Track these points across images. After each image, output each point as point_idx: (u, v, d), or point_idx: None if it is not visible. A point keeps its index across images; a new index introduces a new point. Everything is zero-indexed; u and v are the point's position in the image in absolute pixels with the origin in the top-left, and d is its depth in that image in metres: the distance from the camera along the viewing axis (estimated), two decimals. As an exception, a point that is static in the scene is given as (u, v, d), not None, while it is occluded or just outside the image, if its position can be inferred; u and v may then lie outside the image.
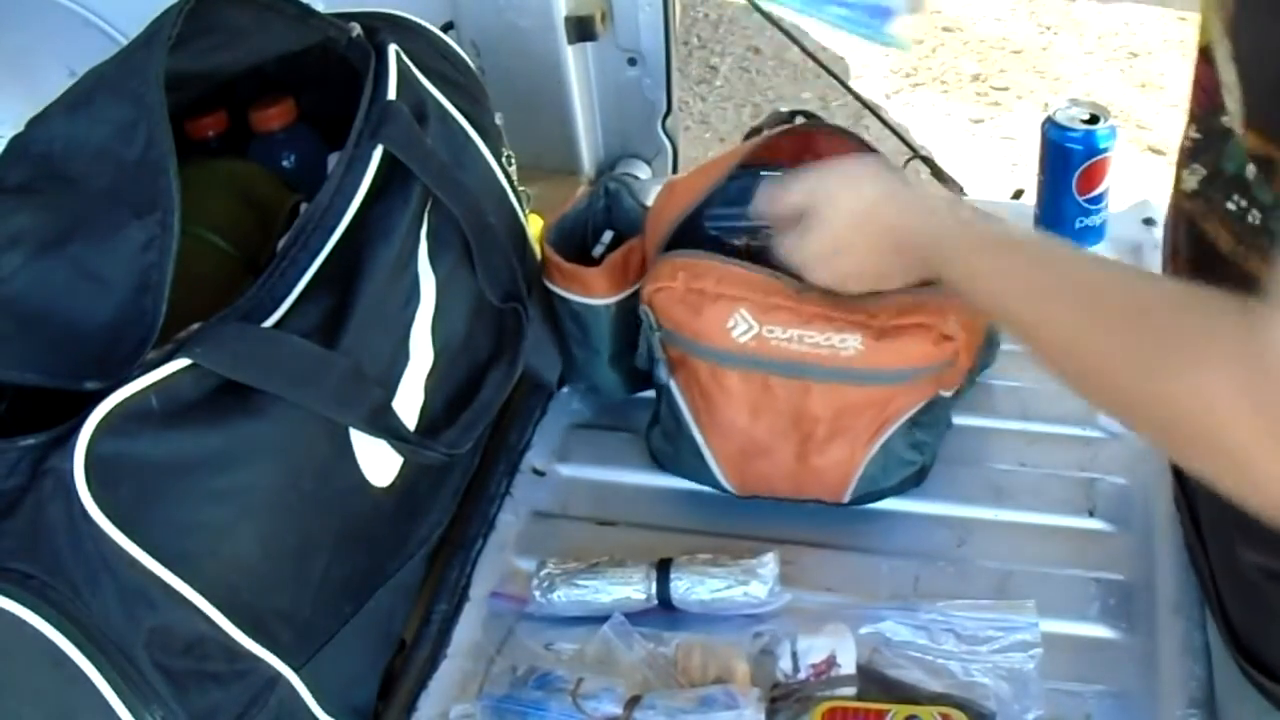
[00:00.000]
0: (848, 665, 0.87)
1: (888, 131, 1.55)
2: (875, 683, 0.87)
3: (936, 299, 0.92)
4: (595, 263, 1.05)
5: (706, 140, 2.87)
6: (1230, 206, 0.73)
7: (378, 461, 0.86)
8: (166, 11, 0.81)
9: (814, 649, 0.88)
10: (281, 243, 0.83)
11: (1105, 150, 1.22)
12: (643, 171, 1.45)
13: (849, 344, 0.93)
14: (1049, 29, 3.23)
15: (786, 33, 1.42)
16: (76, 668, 0.69)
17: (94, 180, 0.78)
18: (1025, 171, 1.32)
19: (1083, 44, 3.17)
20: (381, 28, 0.95)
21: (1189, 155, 0.79)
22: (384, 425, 0.83)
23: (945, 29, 3.24)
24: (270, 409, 0.76)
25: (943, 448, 1.05)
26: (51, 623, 0.68)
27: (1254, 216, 0.71)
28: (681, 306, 0.96)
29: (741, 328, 0.95)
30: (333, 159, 0.88)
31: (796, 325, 0.94)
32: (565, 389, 1.16)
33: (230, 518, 0.75)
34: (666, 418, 1.04)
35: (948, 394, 1.01)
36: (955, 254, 0.80)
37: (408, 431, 0.87)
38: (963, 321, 0.93)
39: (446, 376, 0.93)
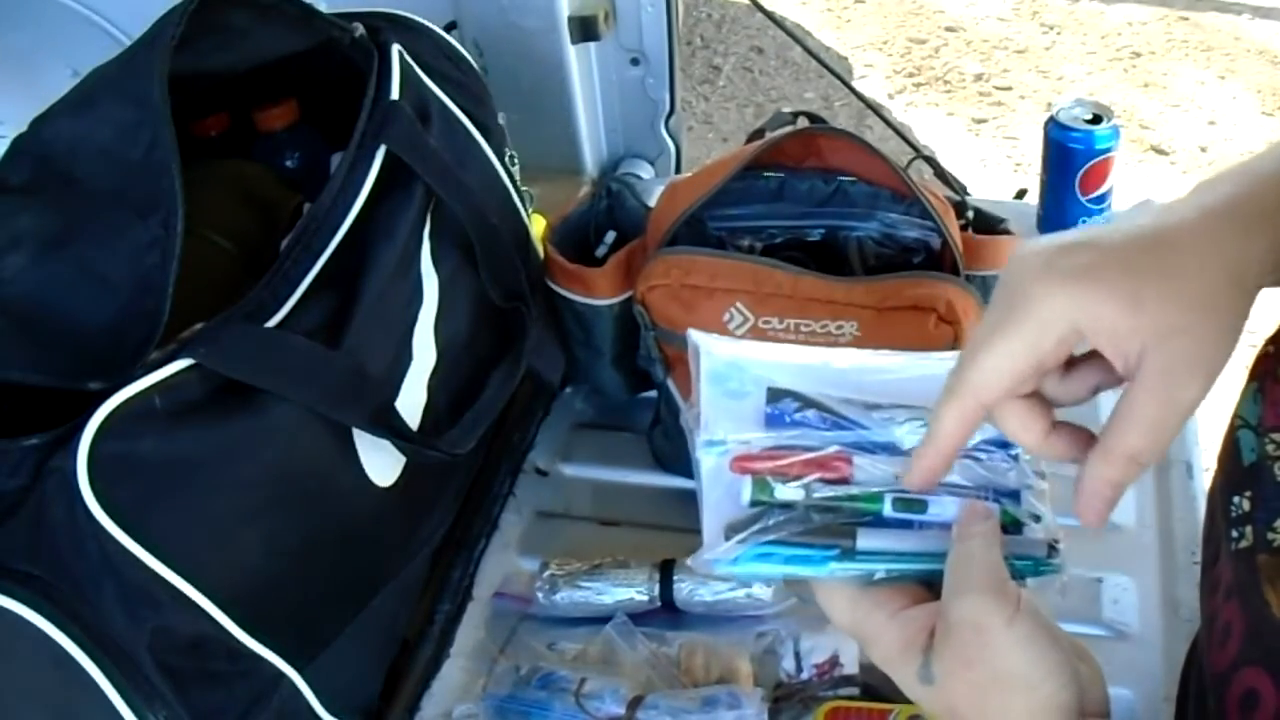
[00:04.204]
0: (851, 665, 0.87)
1: (890, 131, 1.55)
2: (878, 682, 0.87)
3: (937, 282, 0.91)
4: (598, 263, 1.05)
5: (709, 140, 2.87)
6: None
7: (381, 461, 0.86)
8: (170, 12, 0.80)
9: (817, 649, 0.88)
10: (284, 243, 0.82)
11: (1108, 150, 1.22)
12: (646, 172, 1.45)
13: (845, 330, 0.93)
14: (1052, 29, 3.23)
15: (789, 33, 1.42)
16: (79, 668, 0.69)
17: (97, 180, 0.78)
18: (1028, 172, 1.32)
19: (1086, 44, 3.17)
20: (384, 28, 0.95)
21: None
22: (387, 425, 0.83)
23: (948, 29, 3.24)
24: (273, 409, 0.76)
25: (945, 447, 1.04)
26: (54, 623, 0.68)
27: None
28: (675, 304, 0.96)
29: (737, 321, 0.95)
30: (336, 159, 0.88)
31: (793, 314, 0.93)
32: (568, 389, 1.16)
33: (233, 517, 0.75)
34: (667, 417, 1.04)
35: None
36: None
37: (410, 431, 0.87)
38: (964, 306, 0.92)
39: (449, 376, 0.93)
